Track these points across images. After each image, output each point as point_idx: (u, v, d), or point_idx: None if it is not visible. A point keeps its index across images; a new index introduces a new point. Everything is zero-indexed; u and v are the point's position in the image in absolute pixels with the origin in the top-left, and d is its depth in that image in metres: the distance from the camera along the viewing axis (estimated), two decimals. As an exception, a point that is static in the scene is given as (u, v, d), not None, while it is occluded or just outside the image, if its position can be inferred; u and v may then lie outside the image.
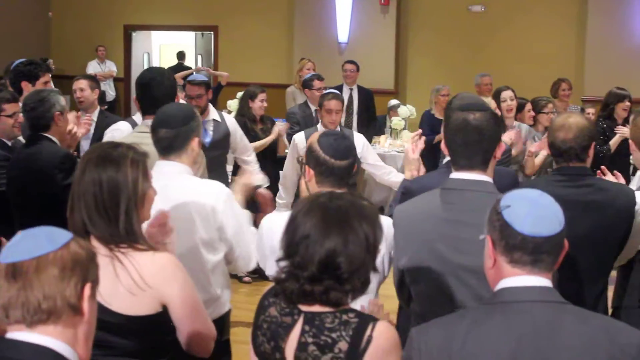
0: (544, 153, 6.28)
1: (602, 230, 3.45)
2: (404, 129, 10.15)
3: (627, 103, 7.86)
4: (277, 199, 6.42)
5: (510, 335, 2.09)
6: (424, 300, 2.95)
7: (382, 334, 2.20)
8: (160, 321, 2.64)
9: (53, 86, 5.94)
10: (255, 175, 5.74)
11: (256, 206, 4.41)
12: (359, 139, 6.33)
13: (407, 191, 3.61)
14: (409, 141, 4.12)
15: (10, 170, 4.63)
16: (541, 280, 2.16)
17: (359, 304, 2.44)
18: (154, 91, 4.18)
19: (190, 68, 13.67)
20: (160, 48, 17.94)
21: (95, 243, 2.57)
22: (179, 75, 9.35)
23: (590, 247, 3.40)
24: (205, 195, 3.29)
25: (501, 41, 12.65)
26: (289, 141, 7.57)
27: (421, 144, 3.99)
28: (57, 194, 4.17)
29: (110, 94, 15.16)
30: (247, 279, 7.62)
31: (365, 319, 2.23)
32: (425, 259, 2.87)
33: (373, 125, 9.96)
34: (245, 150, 6.42)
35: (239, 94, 8.10)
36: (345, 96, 9.08)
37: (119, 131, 4.79)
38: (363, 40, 13.13)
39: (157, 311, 2.62)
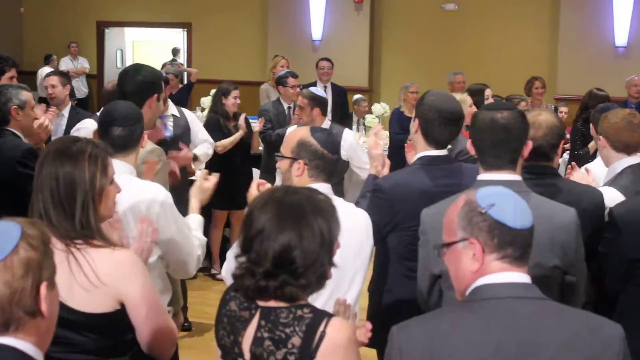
0: None
1: None
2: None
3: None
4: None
5: (492, 332, 2.07)
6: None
7: (336, 330, 2.19)
8: (120, 319, 2.58)
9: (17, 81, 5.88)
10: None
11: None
12: (347, 138, 6.22)
13: (378, 188, 3.59)
14: (371, 137, 4.10)
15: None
16: (522, 277, 2.16)
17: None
18: (125, 85, 4.15)
19: (182, 64, 13.65)
20: (134, 45, 17.82)
21: (52, 238, 2.53)
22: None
23: None
24: (141, 196, 3.22)
25: (474, 39, 12.70)
26: (262, 139, 7.56)
27: (384, 139, 3.97)
28: (22, 188, 4.12)
29: (83, 90, 15.06)
30: (220, 276, 7.58)
31: (320, 315, 2.22)
32: None
33: (347, 123, 9.94)
34: (204, 142, 6.30)
35: (213, 91, 8.05)
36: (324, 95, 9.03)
37: (85, 129, 4.74)
38: (337, 37, 13.13)
39: (115, 309, 2.57)
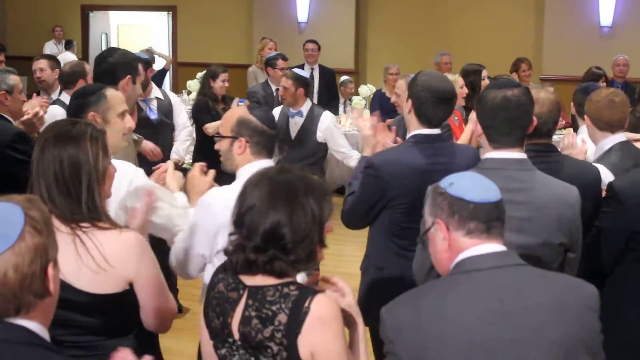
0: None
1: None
2: (365, 108, 10.16)
3: (602, 84, 7.94)
4: None
5: (478, 303, 2.11)
6: None
7: (321, 306, 2.22)
8: (127, 299, 2.61)
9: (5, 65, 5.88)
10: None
11: None
12: (325, 120, 6.26)
13: (370, 164, 3.60)
14: (359, 122, 4.11)
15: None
16: (497, 247, 2.22)
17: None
18: (97, 67, 4.22)
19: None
20: (119, 28, 17.72)
21: (55, 222, 2.52)
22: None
23: None
24: (122, 174, 3.10)
25: (461, 20, 12.70)
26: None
27: (373, 120, 3.98)
28: (13, 172, 4.12)
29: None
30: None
31: (305, 291, 2.25)
32: None
33: (334, 104, 9.95)
34: (183, 128, 6.35)
35: (199, 74, 8.04)
36: (307, 75, 9.03)
37: (52, 117, 4.68)
38: (323, 19, 13.10)
39: (123, 289, 2.59)
